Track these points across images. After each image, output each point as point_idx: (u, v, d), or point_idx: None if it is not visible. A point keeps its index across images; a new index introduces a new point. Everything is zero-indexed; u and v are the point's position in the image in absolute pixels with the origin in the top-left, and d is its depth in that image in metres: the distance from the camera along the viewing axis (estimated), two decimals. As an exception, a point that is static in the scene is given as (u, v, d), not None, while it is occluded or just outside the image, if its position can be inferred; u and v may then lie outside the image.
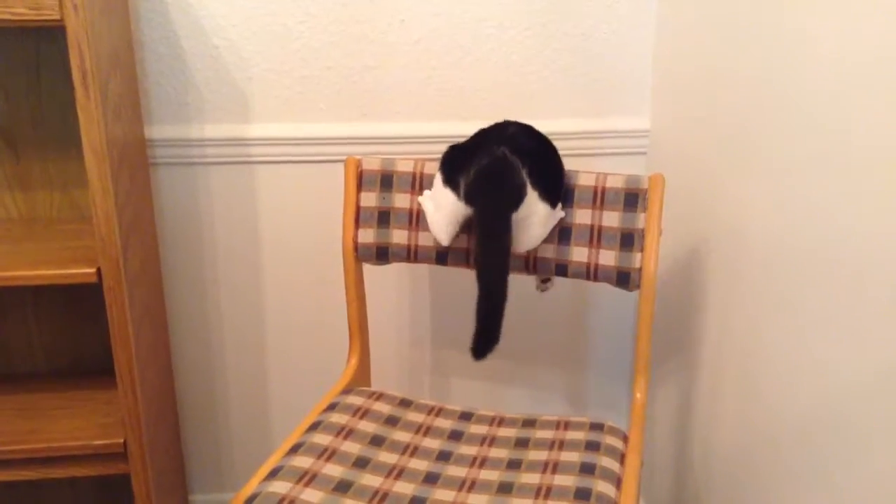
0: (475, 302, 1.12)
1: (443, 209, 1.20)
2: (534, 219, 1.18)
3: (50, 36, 1.34)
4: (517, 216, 1.15)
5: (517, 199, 1.14)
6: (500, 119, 1.27)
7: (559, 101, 1.49)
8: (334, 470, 1.08)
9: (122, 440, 1.29)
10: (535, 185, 1.15)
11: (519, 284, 1.60)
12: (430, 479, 1.09)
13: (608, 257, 1.22)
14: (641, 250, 1.20)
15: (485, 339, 1.12)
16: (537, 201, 1.16)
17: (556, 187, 1.21)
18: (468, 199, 1.15)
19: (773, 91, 1.09)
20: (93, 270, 1.19)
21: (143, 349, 1.31)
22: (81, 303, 1.49)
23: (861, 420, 0.92)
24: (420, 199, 1.27)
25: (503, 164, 1.14)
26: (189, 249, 1.51)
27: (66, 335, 1.51)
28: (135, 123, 1.34)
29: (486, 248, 1.14)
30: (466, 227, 1.21)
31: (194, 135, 1.44)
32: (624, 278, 1.21)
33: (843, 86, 0.93)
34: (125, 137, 1.26)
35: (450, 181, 1.18)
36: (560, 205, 1.23)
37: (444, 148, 1.24)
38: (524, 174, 1.14)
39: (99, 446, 1.29)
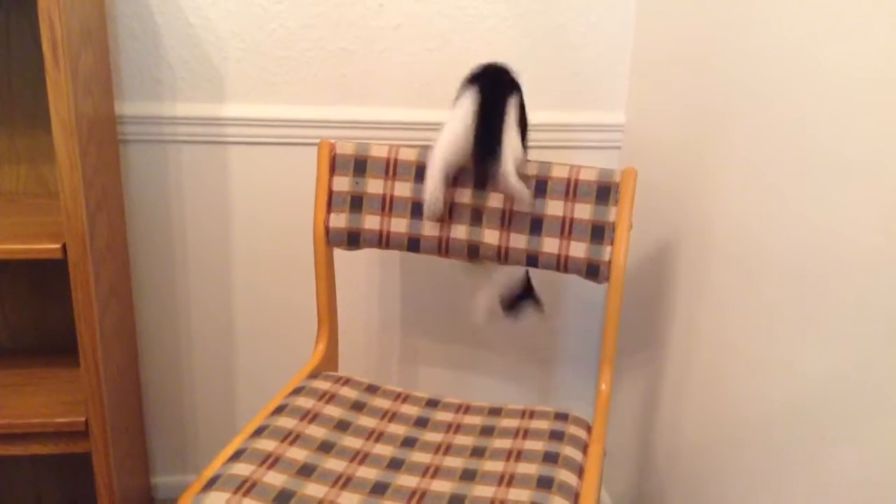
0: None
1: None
2: (511, 132, 1.19)
3: (21, 7, 1.32)
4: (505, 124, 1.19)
5: (513, 88, 1.20)
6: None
7: (536, 92, 1.50)
8: (298, 453, 1.08)
9: (83, 419, 1.27)
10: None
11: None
12: (395, 464, 1.09)
13: (579, 249, 1.22)
14: (612, 243, 1.20)
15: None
16: (514, 125, 1.19)
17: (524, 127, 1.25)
18: (473, 83, 1.20)
19: (747, 88, 1.10)
20: (58, 246, 1.18)
21: (107, 328, 1.30)
22: (47, 280, 1.47)
23: (823, 419, 0.93)
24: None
25: (501, 69, 1.22)
26: (158, 228, 1.50)
27: (31, 312, 1.49)
28: (105, 99, 1.32)
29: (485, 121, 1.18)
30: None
31: (166, 113, 1.42)
32: (593, 270, 1.22)
33: (816, 84, 0.94)
34: (95, 113, 1.24)
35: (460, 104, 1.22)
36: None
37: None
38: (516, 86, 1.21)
39: (60, 424, 1.27)
